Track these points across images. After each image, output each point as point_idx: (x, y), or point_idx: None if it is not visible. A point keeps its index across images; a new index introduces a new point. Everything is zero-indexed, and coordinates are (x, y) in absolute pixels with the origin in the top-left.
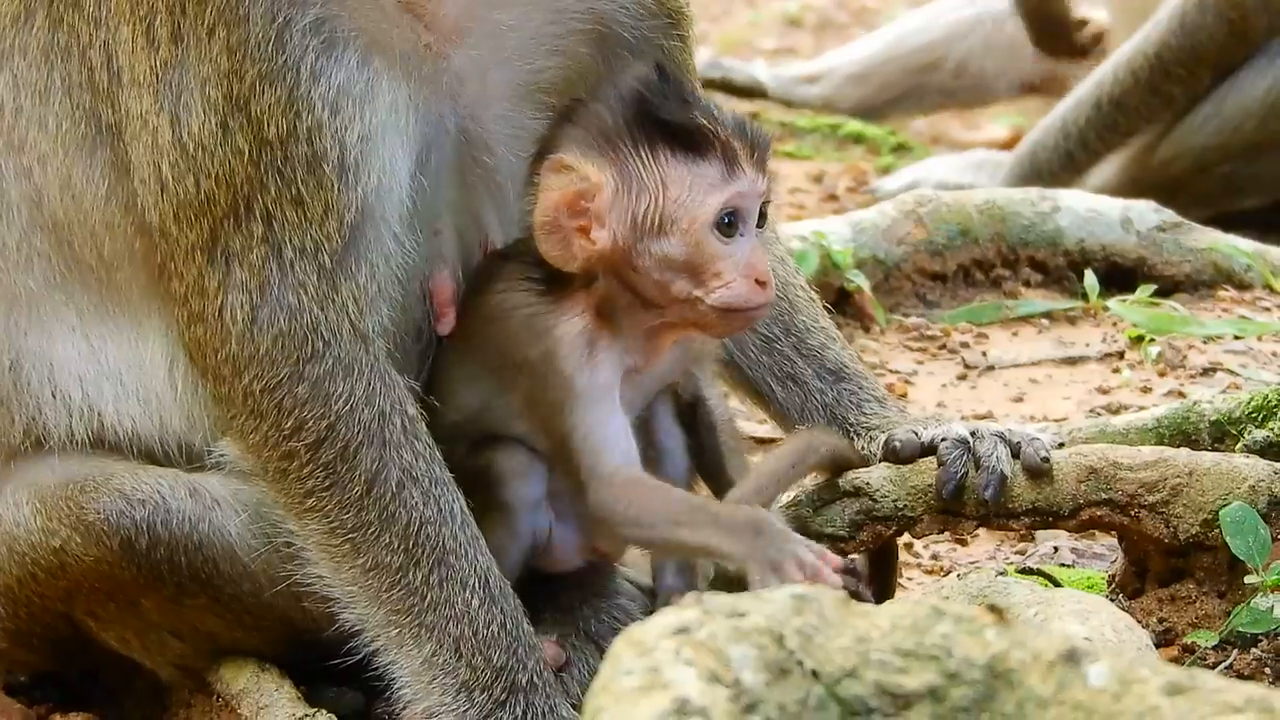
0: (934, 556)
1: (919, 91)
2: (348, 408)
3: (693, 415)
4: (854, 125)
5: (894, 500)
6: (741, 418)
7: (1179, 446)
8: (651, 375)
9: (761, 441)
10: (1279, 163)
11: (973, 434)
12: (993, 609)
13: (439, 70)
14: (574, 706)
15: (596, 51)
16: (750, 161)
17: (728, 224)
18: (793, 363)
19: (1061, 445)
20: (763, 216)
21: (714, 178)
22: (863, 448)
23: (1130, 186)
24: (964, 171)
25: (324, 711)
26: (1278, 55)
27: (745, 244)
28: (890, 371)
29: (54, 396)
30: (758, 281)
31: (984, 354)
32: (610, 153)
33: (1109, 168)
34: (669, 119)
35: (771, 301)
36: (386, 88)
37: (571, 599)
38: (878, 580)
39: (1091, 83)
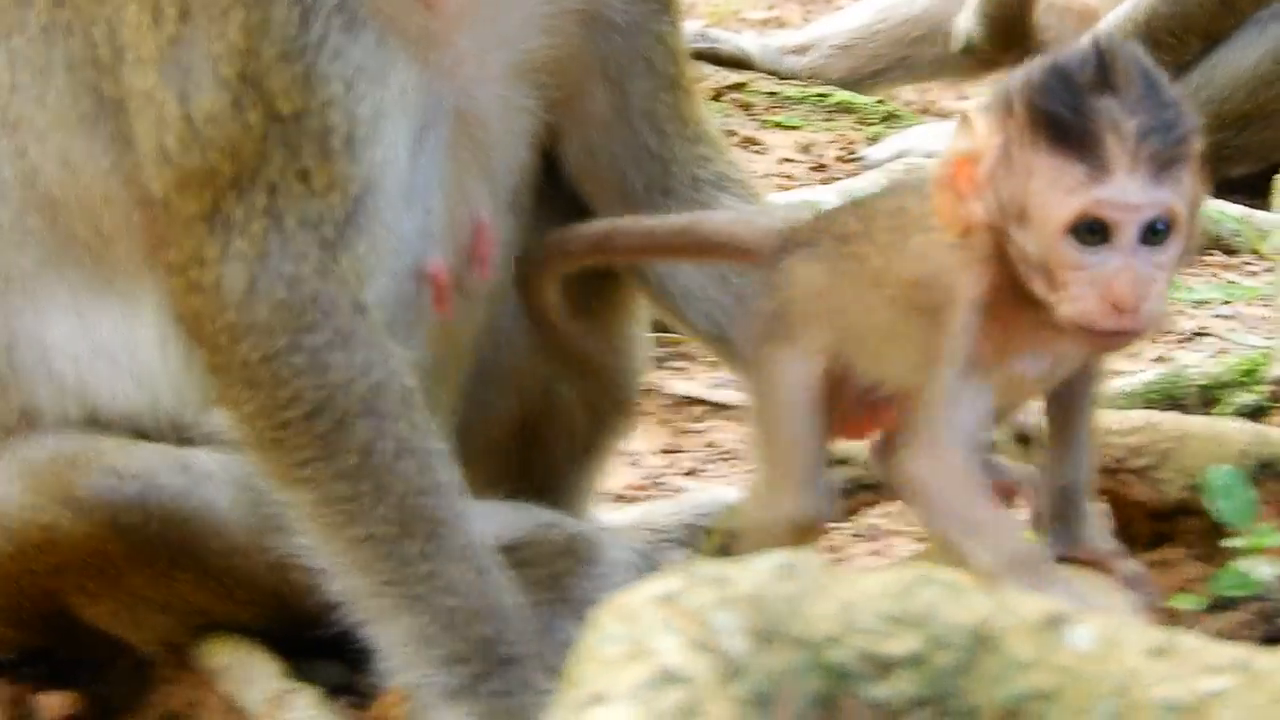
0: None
1: (908, 62)
2: (344, 379)
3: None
4: (842, 95)
5: None
6: (731, 387)
7: (1167, 411)
8: (1032, 371)
9: (720, 407)
10: (1268, 132)
11: None
12: (979, 573)
13: (443, 51)
14: (558, 677)
15: (587, 33)
16: (1135, 171)
17: (1089, 232)
18: None
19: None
20: (1159, 233)
21: (1079, 179)
22: None
23: None
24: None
25: (308, 685)
26: (1268, 25)
27: (1110, 259)
28: None
29: (49, 376)
30: (1115, 305)
31: None
32: (1003, 124)
33: None
34: (1048, 105)
35: (1139, 330)
36: (397, 68)
37: (563, 566)
38: None
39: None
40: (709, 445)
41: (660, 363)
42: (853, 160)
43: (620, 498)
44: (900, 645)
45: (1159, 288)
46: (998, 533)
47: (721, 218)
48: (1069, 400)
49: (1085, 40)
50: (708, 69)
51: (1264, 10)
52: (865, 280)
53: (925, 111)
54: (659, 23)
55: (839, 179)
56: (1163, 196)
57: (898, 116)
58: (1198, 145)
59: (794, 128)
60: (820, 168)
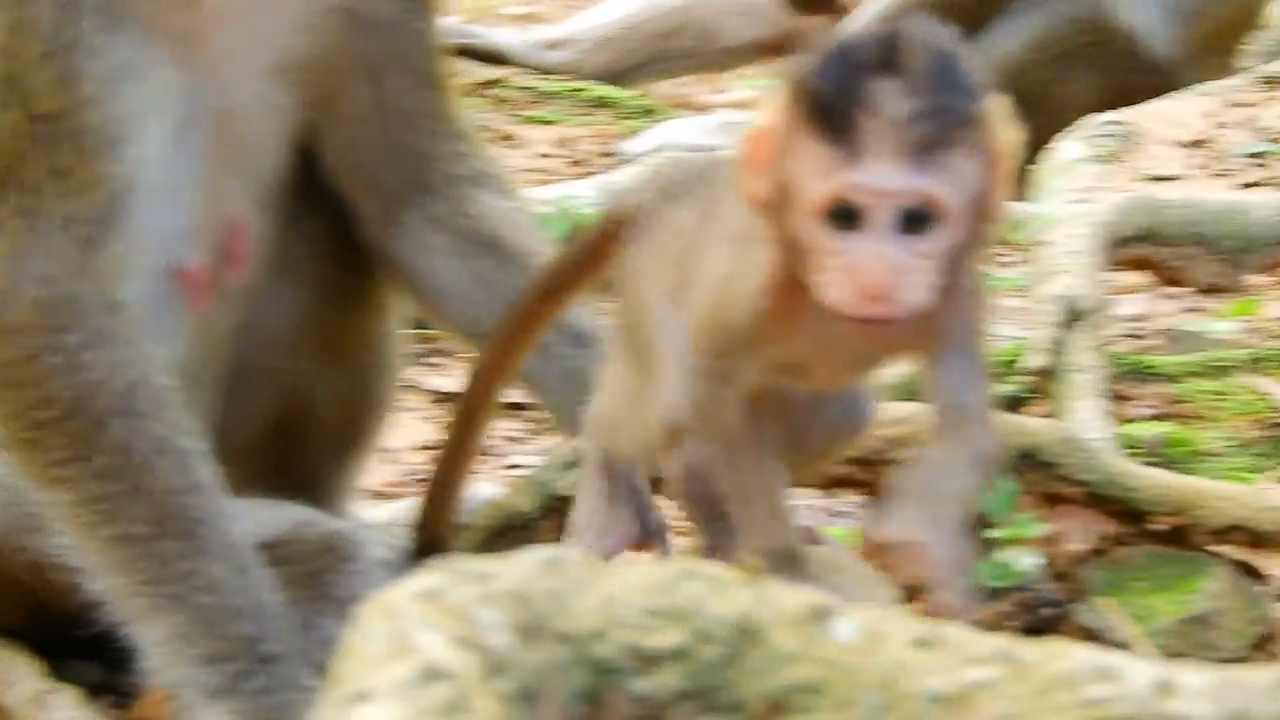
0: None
1: (665, 55)
2: (100, 378)
3: None
4: (600, 90)
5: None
6: None
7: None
8: (826, 358)
9: (507, 407)
10: (1025, 123)
11: None
12: (743, 567)
13: (203, 50)
14: (320, 675)
15: (347, 31)
16: (892, 156)
17: (843, 217)
18: None
19: None
20: (921, 221)
21: (833, 162)
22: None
23: None
24: (710, 134)
25: (69, 685)
26: (1027, 15)
27: (862, 245)
28: None
29: None
30: (867, 292)
31: None
32: (785, 102)
33: None
34: (816, 85)
35: (888, 316)
36: (157, 67)
37: (321, 563)
38: None
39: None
40: None
41: (418, 359)
42: (610, 155)
43: (379, 495)
44: (664, 639)
45: (919, 277)
46: (761, 520)
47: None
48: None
49: (873, 18)
50: (465, 65)
51: (1023, 0)
52: (708, 234)
53: (682, 106)
54: (416, 20)
55: (597, 174)
56: (922, 184)
57: (655, 111)
58: (985, 131)
59: (551, 123)
60: (578, 163)
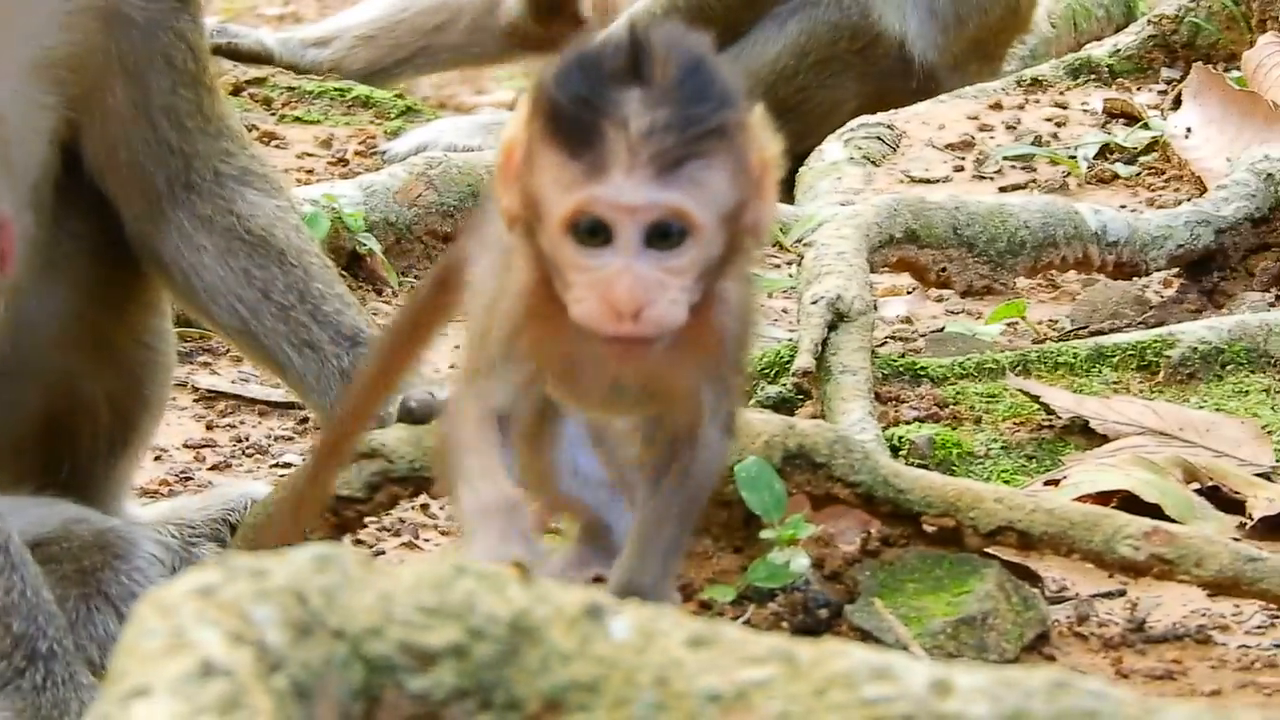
0: (450, 517)
1: (429, 51)
2: None
3: None
4: (361, 89)
5: (410, 461)
6: (257, 381)
7: None
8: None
9: (277, 405)
10: (787, 128)
11: None
12: (517, 565)
13: None
14: (95, 671)
15: (107, 29)
16: (637, 169)
17: (589, 232)
18: (309, 329)
19: None
20: (670, 236)
21: (576, 175)
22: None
23: None
24: (473, 134)
25: None
26: (787, 21)
27: (611, 260)
28: None
29: None
30: (614, 309)
31: None
32: (529, 111)
33: None
34: (558, 96)
35: (639, 335)
36: None
37: (94, 561)
38: None
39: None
40: (237, 440)
41: (187, 357)
42: (373, 154)
43: (150, 492)
44: (439, 637)
45: (669, 294)
46: (482, 480)
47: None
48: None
49: (625, 24)
50: (227, 64)
51: (783, 6)
52: (480, 248)
53: (443, 106)
54: (179, 20)
55: (360, 173)
56: (669, 198)
57: (416, 111)
58: (739, 141)
59: (314, 122)
60: (341, 162)
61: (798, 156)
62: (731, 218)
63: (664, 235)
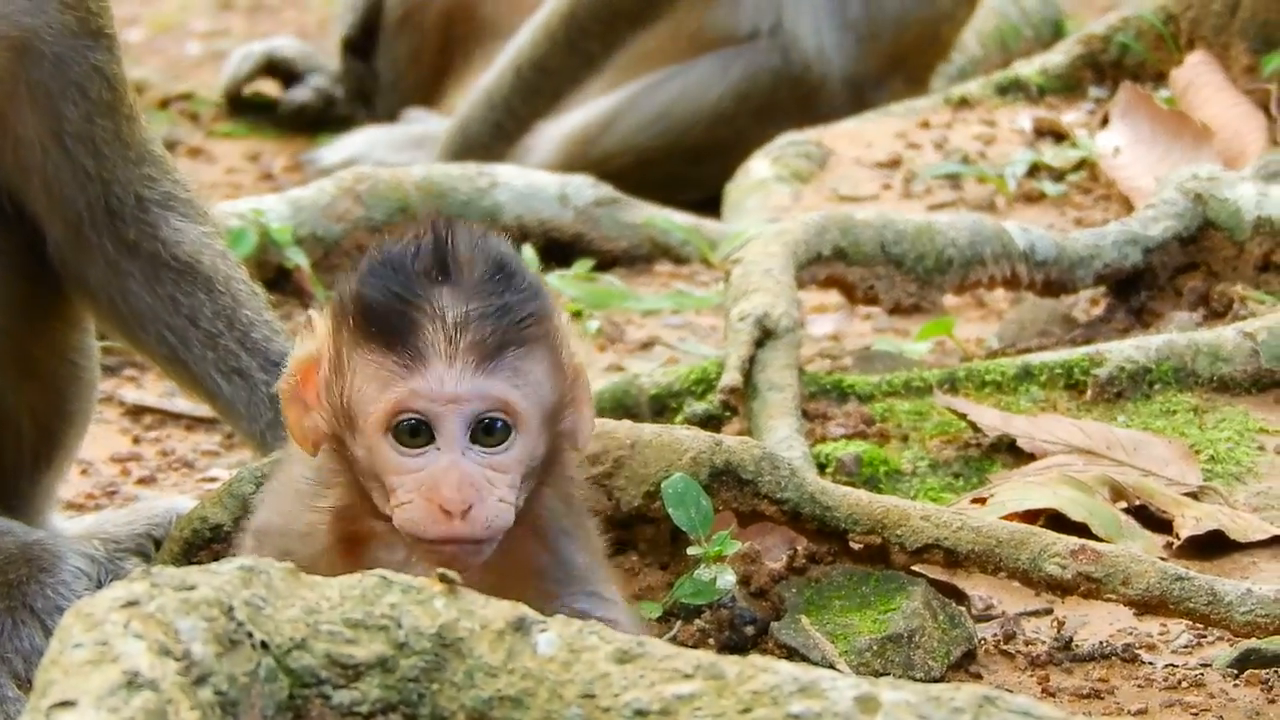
0: None
1: None
2: None
3: None
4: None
5: None
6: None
7: (620, 419)
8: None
9: (203, 420)
10: (719, 165)
11: None
12: (443, 578)
13: None
14: (21, 685)
15: (18, 61)
16: (455, 359)
17: (410, 433)
18: (237, 356)
19: None
20: (496, 431)
21: (394, 371)
22: None
23: (568, 171)
24: (403, 147)
25: None
26: (730, 64)
27: (434, 459)
28: None
29: None
30: (441, 509)
31: None
32: (335, 321)
33: (547, 149)
34: (368, 295)
35: (469, 536)
36: None
37: (19, 574)
38: None
39: (510, 50)
40: (163, 454)
41: (112, 371)
42: (300, 168)
43: (75, 506)
44: (365, 650)
45: (497, 492)
46: None
47: None
48: None
49: (424, 226)
50: (155, 78)
51: (729, 49)
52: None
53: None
54: (93, 54)
55: (287, 188)
56: (492, 386)
57: (344, 124)
58: (552, 335)
59: (242, 136)
60: (268, 176)
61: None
62: (553, 416)
63: (488, 431)
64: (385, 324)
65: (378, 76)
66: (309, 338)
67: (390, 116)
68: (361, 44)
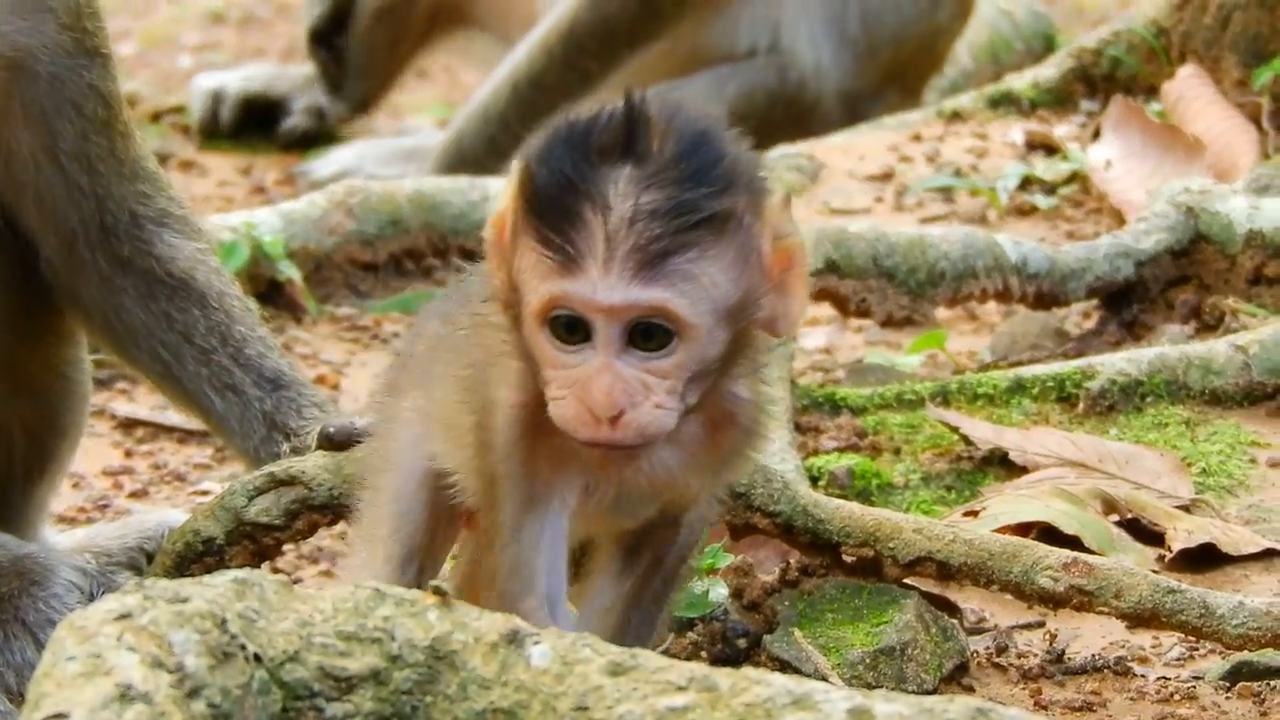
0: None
1: None
2: None
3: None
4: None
5: (330, 488)
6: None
7: None
8: (593, 496)
9: (195, 433)
10: None
11: None
12: (436, 591)
13: None
14: (13, 698)
15: (12, 79)
16: (614, 264)
17: (567, 329)
18: (231, 373)
19: None
20: (655, 336)
21: (551, 266)
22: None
23: None
24: (393, 160)
25: None
26: (727, 81)
27: (589, 357)
28: (323, 362)
29: None
30: (591, 413)
31: None
32: (515, 186)
33: None
34: (539, 174)
35: (620, 441)
36: None
37: (11, 587)
38: None
39: (507, 65)
40: (155, 467)
41: (104, 384)
42: (292, 181)
43: (67, 519)
44: (358, 663)
45: (654, 398)
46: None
47: None
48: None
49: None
50: (146, 91)
51: (724, 66)
52: (455, 354)
53: (361, 132)
54: (88, 72)
55: (279, 201)
56: (650, 296)
57: (335, 137)
58: (744, 228)
59: (233, 150)
60: (260, 190)
61: None
62: (735, 314)
63: (647, 335)
64: (548, 211)
65: (345, 63)
66: (505, 191)
67: (359, 105)
68: (329, 35)
